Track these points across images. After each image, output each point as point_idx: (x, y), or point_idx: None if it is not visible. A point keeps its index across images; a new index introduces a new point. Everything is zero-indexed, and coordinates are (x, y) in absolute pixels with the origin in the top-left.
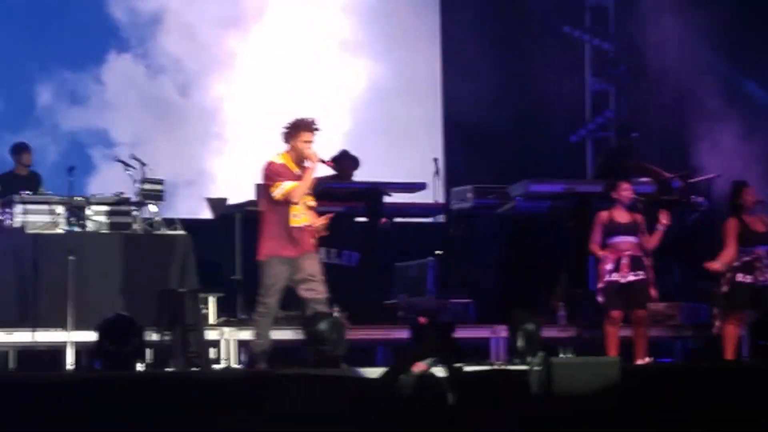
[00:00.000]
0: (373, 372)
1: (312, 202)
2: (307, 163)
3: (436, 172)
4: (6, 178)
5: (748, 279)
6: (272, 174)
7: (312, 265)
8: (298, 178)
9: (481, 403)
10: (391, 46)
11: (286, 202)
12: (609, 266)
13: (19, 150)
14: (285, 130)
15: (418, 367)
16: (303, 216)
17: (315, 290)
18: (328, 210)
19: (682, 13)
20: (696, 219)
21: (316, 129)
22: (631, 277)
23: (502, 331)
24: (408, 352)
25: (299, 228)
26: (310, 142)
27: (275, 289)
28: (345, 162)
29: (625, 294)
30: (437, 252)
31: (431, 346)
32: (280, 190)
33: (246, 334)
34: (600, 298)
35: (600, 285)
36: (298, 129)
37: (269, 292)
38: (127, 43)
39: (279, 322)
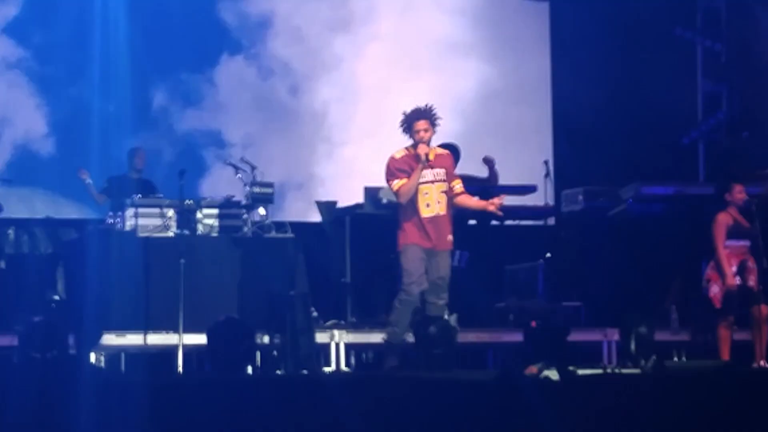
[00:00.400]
0: (485, 375)
1: (445, 189)
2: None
3: (547, 175)
4: (118, 182)
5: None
6: (387, 172)
7: (443, 267)
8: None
9: (593, 407)
10: (501, 47)
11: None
12: (733, 269)
13: (132, 153)
14: (401, 124)
15: (530, 370)
16: (436, 206)
17: (438, 295)
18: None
19: None
20: None
21: (432, 117)
22: (752, 280)
23: (614, 335)
24: (520, 355)
25: (431, 218)
26: (421, 130)
27: (415, 276)
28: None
29: (745, 296)
30: (547, 255)
31: (544, 349)
32: (392, 189)
33: (355, 337)
34: (718, 301)
35: (719, 288)
36: (411, 119)
37: (410, 279)
38: (238, 46)
39: (386, 324)
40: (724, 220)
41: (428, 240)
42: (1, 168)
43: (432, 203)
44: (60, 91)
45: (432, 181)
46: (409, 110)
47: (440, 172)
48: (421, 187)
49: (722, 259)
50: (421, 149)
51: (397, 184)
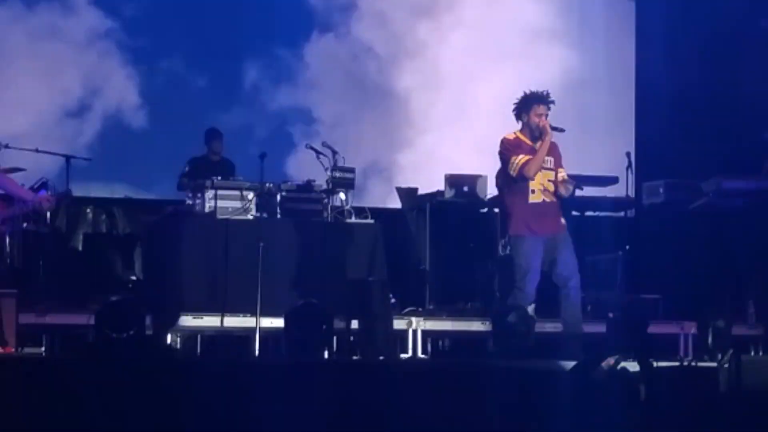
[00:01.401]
0: (564, 365)
1: (552, 178)
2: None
3: (629, 166)
4: (199, 163)
5: None
6: (506, 149)
7: (564, 248)
8: (535, 152)
9: (670, 399)
10: (586, 34)
11: (523, 178)
12: None
13: (209, 137)
14: (516, 106)
15: (608, 362)
16: (542, 193)
17: (565, 275)
18: None
19: None
20: None
21: (551, 102)
22: None
23: (692, 328)
24: (598, 346)
25: (539, 204)
26: (542, 114)
27: (529, 271)
28: None
29: None
30: (627, 247)
31: (624, 340)
32: (514, 165)
33: (433, 324)
34: None
35: None
36: (530, 102)
37: (524, 277)
38: (326, 26)
39: (465, 312)
40: None
41: (539, 227)
42: (92, 138)
43: (536, 190)
44: (151, 64)
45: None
46: (528, 92)
47: (549, 160)
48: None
49: None
50: (547, 127)
51: (522, 159)
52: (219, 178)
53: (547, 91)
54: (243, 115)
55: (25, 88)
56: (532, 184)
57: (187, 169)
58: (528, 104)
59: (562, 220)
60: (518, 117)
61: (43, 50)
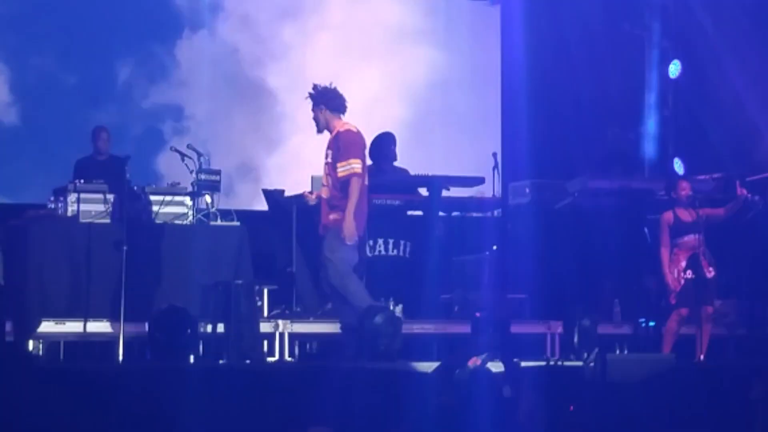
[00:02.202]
0: (429, 366)
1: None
2: None
3: (495, 167)
4: (85, 164)
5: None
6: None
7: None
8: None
9: (536, 397)
10: (452, 35)
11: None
12: (682, 264)
13: (94, 135)
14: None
15: (473, 361)
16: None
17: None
18: (386, 203)
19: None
20: (752, 217)
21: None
22: (709, 272)
23: (558, 328)
24: (464, 346)
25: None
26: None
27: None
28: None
29: (697, 291)
30: (494, 247)
31: (488, 340)
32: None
33: (300, 327)
34: (672, 296)
35: (672, 283)
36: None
37: None
38: (192, 26)
39: (331, 315)
40: (665, 219)
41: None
42: None
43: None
44: (24, 61)
45: (327, 163)
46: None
47: (329, 153)
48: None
49: (662, 261)
50: None
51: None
52: (103, 181)
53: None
54: (115, 113)
55: None
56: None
57: (73, 172)
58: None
59: (331, 216)
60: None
61: None
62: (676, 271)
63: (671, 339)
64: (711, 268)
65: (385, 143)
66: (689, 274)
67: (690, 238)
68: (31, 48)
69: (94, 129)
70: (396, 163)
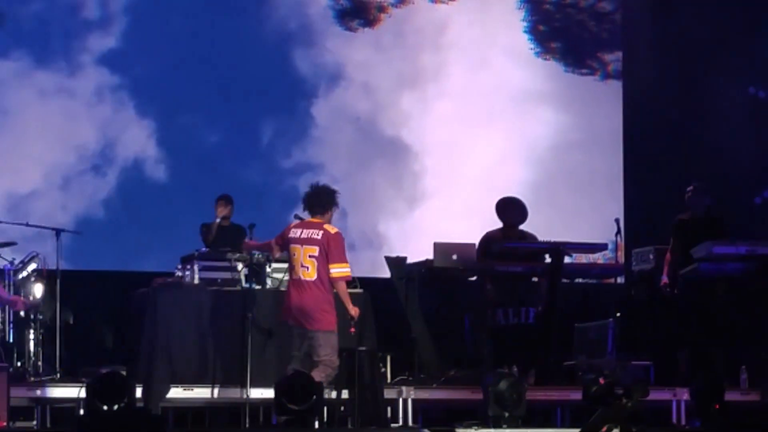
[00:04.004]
0: None
1: None
2: None
3: (618, 232)
4: (209, 230)
5: None
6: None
7: None
8: None
9: None
10: (573, 97)
11: None
12: None
13: (217, 202)
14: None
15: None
16: None
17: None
18: (508, 270)
19: None
20: None
21: None
22: None
23: (684, 394)
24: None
25: None
26: None
27: None
28: (510, 209)
29: None
30: (617, 313)
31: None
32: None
33: (423, 393)
34: None
35: None
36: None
37: None
38: (313, 93)
39: (456, 381)
40: None
41: None
42: (112, 191)
43: None
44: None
45: None
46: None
47: None
48: None
49: None
50: None
51: None
52: (227, 248)
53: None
54: (260, 171)
55: (36, 143)
56: None
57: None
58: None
59: None
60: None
61: (54, 106)
62: None
63: None
64: None
65: (509, 209)
66: None
67: None
68: (178, 107)
69: (221, 196)
70: (522, 227)
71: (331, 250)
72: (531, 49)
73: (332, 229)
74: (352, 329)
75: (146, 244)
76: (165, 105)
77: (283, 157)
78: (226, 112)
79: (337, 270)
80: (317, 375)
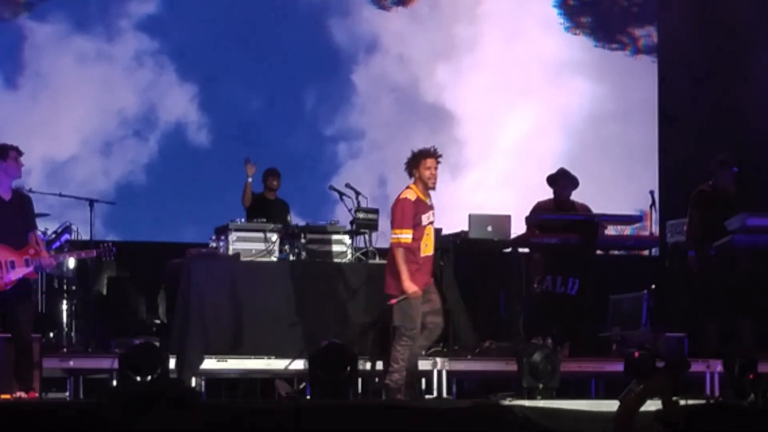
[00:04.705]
0: (589, 404)
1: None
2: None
3: (652, 204)
4: (254, 199)
5: None
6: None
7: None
8: (428, 208)
9: None
10: (609, 66)
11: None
12: None
13: (267, 174)
14: (407, 161)
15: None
16: (432, 246)
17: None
18: (543, 241)
19: None
20: None
21: (438, 156)
22: None
23: (718, 366)
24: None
25: (428, 258)
26: (431, 168)
27: (418, 323)
28: (563, 181)
29: None
30: (652, 285)
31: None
32: (396, 237)
33: (458, 365)
34: None
35: None
36: (419, 157)
37: (413, 325)
38: (345, 64)
39: (490, 353)
40: None
41: (425, 279)
42: (154, 155)
43: (430, 244)
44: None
45: (431, 222)
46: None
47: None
48: (427, 227)
49: None
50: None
51: (406, 239)
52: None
53: (435, 147)
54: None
55: (74, 109)
56: (426, 239)
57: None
58: (417, 159)
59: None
60: (410, 174)
61: (93, 71)
62: None
63: None
64: None
65: (560, 180)
66: None
67: None
68: (220, 74)
69: (269, 169)
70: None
71: (391, 215)
72: (561, 23)
73: (401, 194)
74: (393, 300)
75: (185, 213)
76: (206, 71)
77: (325, 124)
78: (267, 79)
79: (392, 236)
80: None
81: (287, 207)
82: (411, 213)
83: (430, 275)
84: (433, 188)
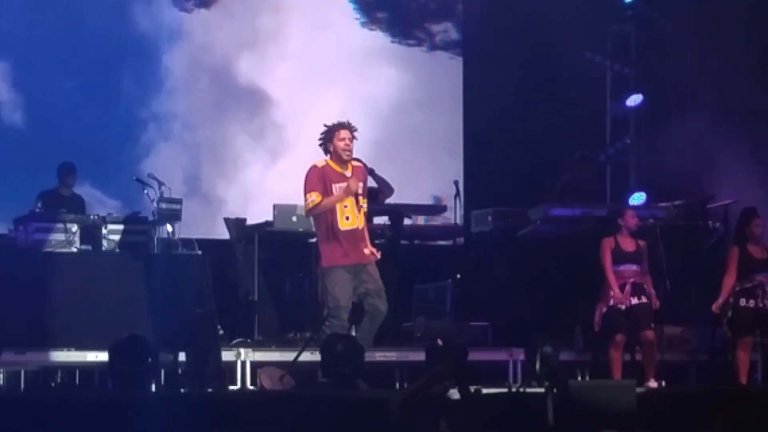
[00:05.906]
0: (390, 393)
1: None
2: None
3: (457, 194)
4: (49, 197)
5: (751, 304)
6: (308, 180)
7: (376, 277)
8: (343, 178)
9: (498, 426)
10: (415, 55)
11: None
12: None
13: (64, 171)
14: (321, 136)
15: (437, 389)
16: (355, 219)
17: (382, 299)
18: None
19: (705, 42)
20: (713, 244)
21: (353, 129)
22: (634, 301)
23: (520, 355)
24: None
25: (349, 231)
26: (345, 139)
27: (344, 300)
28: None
29: (628, 318)
30: (457, 275)
31: (446, 368)
32: (307, 202)
33: (261, 355)
34: (599, 323)
35: (602, 310)
36: (333, 129)
37: (337, 304)
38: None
39: (294, 343)
40: (607, 244)
41: (348, 257)
42: None
43: (352, 217)
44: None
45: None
46: (330, 123)
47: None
48: (347, 200)
49: (610, 279)
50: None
51: (315, 199)
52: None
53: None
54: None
55: None
56: (345, 211)
57: (39, 204)
58: (332, 131)
59: (366, 250)
60: (325, 148)
61: None
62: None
63: (618, 365)
64: (641, 297)
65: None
66: (616, 302)
67: (625, 269)
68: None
69: (65, 164)
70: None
71: None
72: (356, 19)
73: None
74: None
75: None
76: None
77: (138, 106)
78: (79, 61)
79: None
80: None
81: (83, 202)
82: (314, 178)
83: (364, 254)
84: (348, 160)
